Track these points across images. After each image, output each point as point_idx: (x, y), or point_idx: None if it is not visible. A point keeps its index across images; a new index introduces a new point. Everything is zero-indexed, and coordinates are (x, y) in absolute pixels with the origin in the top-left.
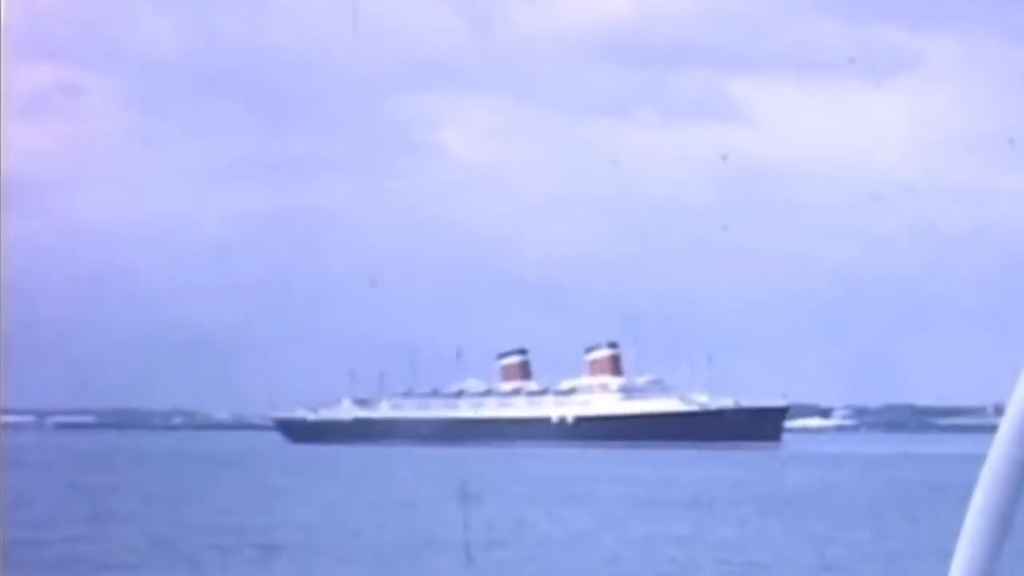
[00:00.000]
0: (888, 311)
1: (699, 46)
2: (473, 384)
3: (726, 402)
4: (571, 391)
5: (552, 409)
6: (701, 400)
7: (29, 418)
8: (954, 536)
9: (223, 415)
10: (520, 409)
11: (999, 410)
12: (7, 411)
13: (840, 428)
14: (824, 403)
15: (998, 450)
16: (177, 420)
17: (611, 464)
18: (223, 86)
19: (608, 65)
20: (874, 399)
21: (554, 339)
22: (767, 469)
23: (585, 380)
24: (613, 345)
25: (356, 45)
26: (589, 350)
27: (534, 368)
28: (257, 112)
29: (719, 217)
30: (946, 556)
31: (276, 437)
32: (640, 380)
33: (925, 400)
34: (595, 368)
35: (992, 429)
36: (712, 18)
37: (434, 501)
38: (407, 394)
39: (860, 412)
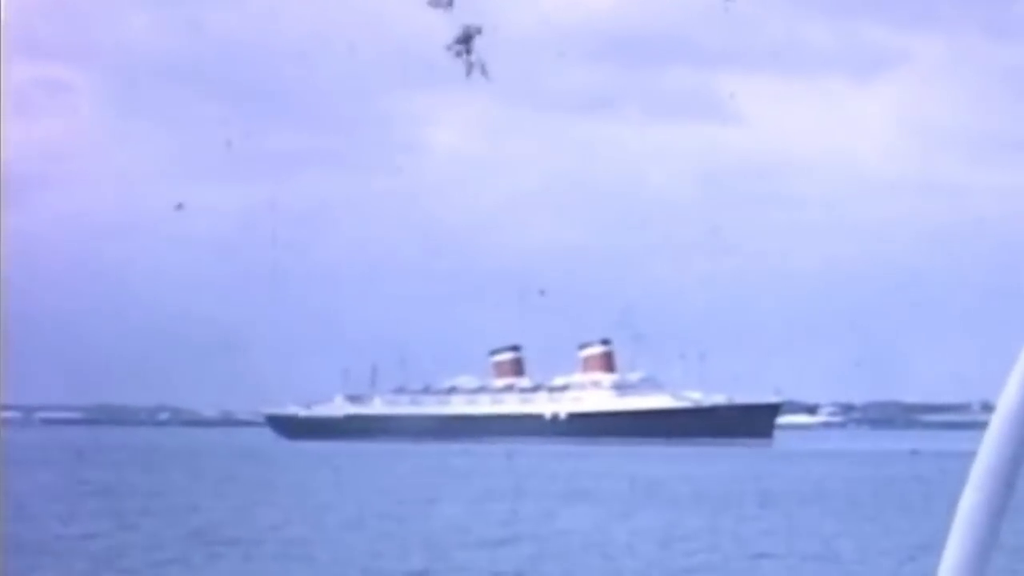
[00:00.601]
0: (874, 307)
1: (685, 43)
2: (466, 381)
3: (719, 399)
4: (564, 388)
5: (545, 405)
6: (694, 397)
7: (16, 414)
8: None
9: (210, 412)
10: (513, 405)
11: (985, 407)
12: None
13: (827, 425)
14: (811, 400)
15: (988, 448)
16: (164, 416)
17: (612, 462)
18: (210, 81)
19: (594, 62)
20: (860, 396)
21: (545, 336)
22: (768, 466)
23: (578, 377)
24: (606, 342)
25: (344, 43)
26: (582, 347)
27: (527, 365)
28: (246, 108)
29: (705, 213)
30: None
31: (269, 433)
32: (633, 377)
33: (911, 397)
34: (588, 365)
35: (978, 426)
36: (698, 15)
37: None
38: (399, 390)
39: (847, 409)
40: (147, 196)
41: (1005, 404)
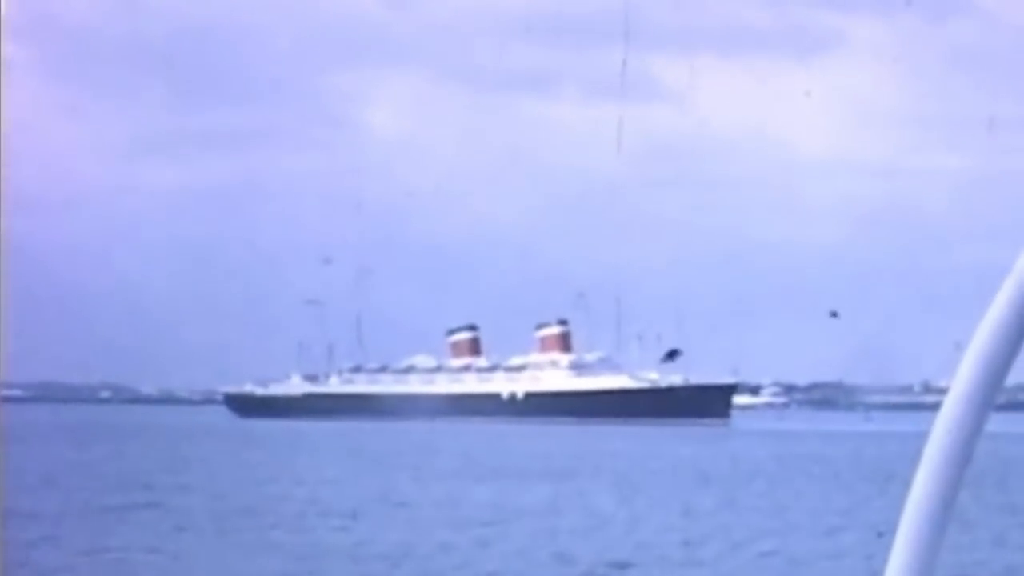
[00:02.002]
0: (811, 287)
1: (622, 21)
2: (423, 360)
3: (675, 379)
4: (521, 367)
5: (502, 385)
6: (651, 377)
7: None
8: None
9: (149, 390)
10: (471, 385)
11: (927, 388)
12: None
13: (770, 405)
14: (752, 380)
15: (939, 433)
16: (105, 394)
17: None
18: (147, 59)
19: (529, 40)
20: (802, 377)
21: (496, 315)
22: (734, 445)
23: (535, 357)
24: (563, 322)
25: (278, 21)
26: (539, 327)
27: (483, 345)
28: (182, 86)
29: (644, 193)
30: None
31: (219, 411)
32: (590, 357)
33: (853, 378)
34: (545, 345)
35: (920, 407)
36: None
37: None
38: (356, 369)
39: (789, 389)
40: (86, 173)
41: (958, 388)
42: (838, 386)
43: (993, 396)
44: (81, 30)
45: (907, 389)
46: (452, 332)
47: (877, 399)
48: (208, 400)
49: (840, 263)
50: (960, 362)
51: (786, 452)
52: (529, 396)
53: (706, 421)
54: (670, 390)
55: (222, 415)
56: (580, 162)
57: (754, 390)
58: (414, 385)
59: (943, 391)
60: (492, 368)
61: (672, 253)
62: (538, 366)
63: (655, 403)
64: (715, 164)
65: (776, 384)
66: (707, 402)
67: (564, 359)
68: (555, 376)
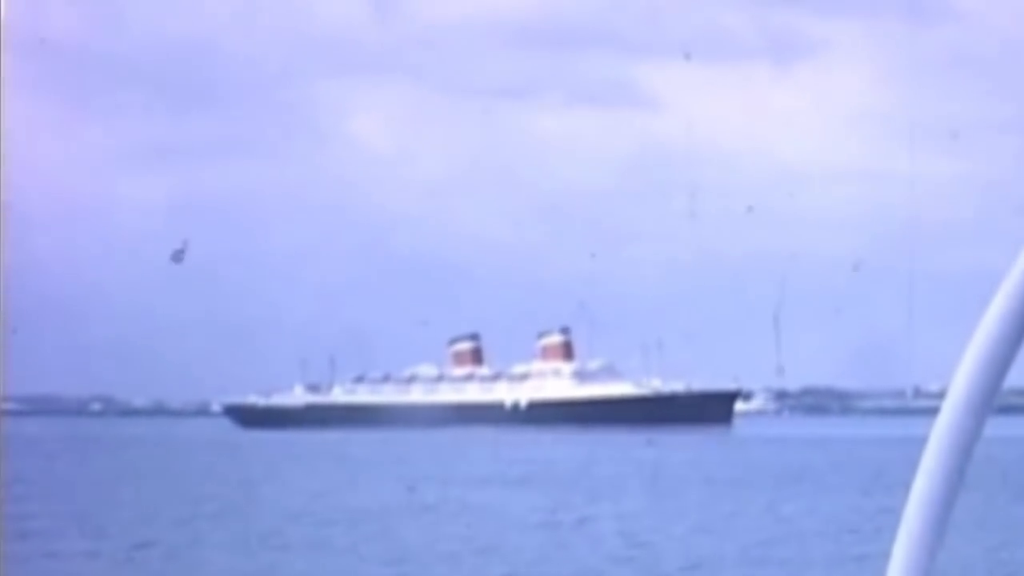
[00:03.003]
0: (801, 294)
1: (604, 31)
2: (425, 370)
3: (677, 386)
4: (524, 376)
5: (505, 394)
6: (654, 384)
7: None
8: None
9: (141, 401)
10: (473, 394)
11: (919, 393)
12: None
13: (762, 412)
14: (744, 386)
15: (939, 436)
16: (96, 407)
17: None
18: (132, 72)
19: (513, 49)
20: (793, 382)
21: (496, 325)
22: (744, 452)
23: (538, 365)
24: (565, 331)
25: (263, 34)
26: (540, 335)
27: (485, 354)
28: (163, 99)
29: (629, 203)
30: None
31: (215, 423)
32: (593, 365)
33: (844, 383)
34: (547, 353)
35: (913, 412)
36: (616, 3)
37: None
38: (359, 379)
39: (780, 395)
40: (75, 187)
41: (957, 391)
42: (829, 391)
43: (991, 400)
44: (66, 44)
45: (900, 394)
46: (454, 341)
47: (869, 404)
48: (201, 412)
49: (830, 268)
50: (957, 367)
51: (818, 457)
52: (532, 405)
53: (708, 428)
54: (673, 397)
55: (221, 427)
56: (565, 170)
57: (746, 396)
58: (417, 395)
59: (934, 396)
60: (495, 377)
61: (661, 261)
62: (541, 374)
63: (658, 410)
64: (700, 171)
65: (767, 390)
66: (709, 409)
67: (567, 367)
68: (558, 384)
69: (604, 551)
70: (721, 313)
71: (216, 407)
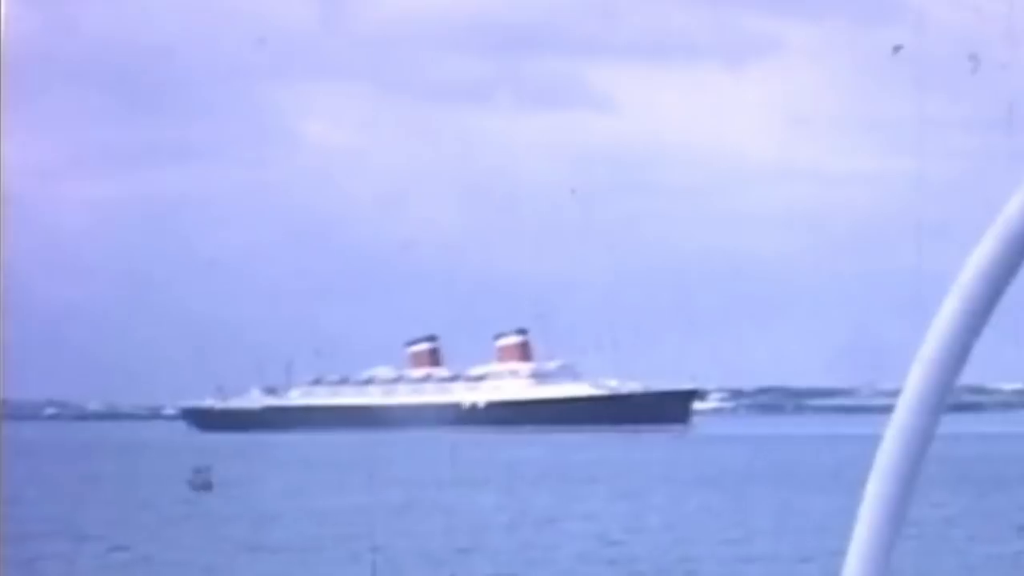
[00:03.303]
0: (751, 295)
1: (555, 32)
2: (383, 371)
3: (635, 386)
4: (482, 377)
5: (463, 395)
6: (611, 384)
7: None
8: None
9: (94, 405)
10: (431, 395)
11: (874, 391)
12: None
13: (718, 411)
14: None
15: (893, 436)
16: (50, 411)
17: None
18: (79, 73)
19: (465, 50)
20: (748, 382)
21: (451, 326)
22: (707, 450)
23: (496, 366)
24: (522, 331)
25: (214, 34)
26: (497, 337)
27: (443, 355)
28: (118, 100)
29: (582, 202)
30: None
31: (175, 426)
32: (551, 365)
33: (798, 382)
34: (504, 354)
35: (868, 410)
36: (567, 3)
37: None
38: (317, 382)
39: (735, 395)
40: (24, 189)
41: (911, 390)
42: (784, 390)
43: (945, 399)
44: (16, 44)
45: (853, 392)
46: (412, 343)
47: (824, 402)
48: (155, 415)
49: (782, 268)
50: (911, 365)
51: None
52: (490, 405)
53: (666, 427)
54: (630, 397)
55: (177, 430)
56: (518, 170)
57: (701, 395)
58: (375, 396)
59: (890, 394)
60: (452, 378)
61: (614, 260)
62: (498, 375)
63: (616, 410)
64: (652, 171)
65: (722, 389)
66: (667, 408)
67: (524, 368)
68: (516, 385)
69: (577, 552)
70: (673, 313)
71: (170, 410)
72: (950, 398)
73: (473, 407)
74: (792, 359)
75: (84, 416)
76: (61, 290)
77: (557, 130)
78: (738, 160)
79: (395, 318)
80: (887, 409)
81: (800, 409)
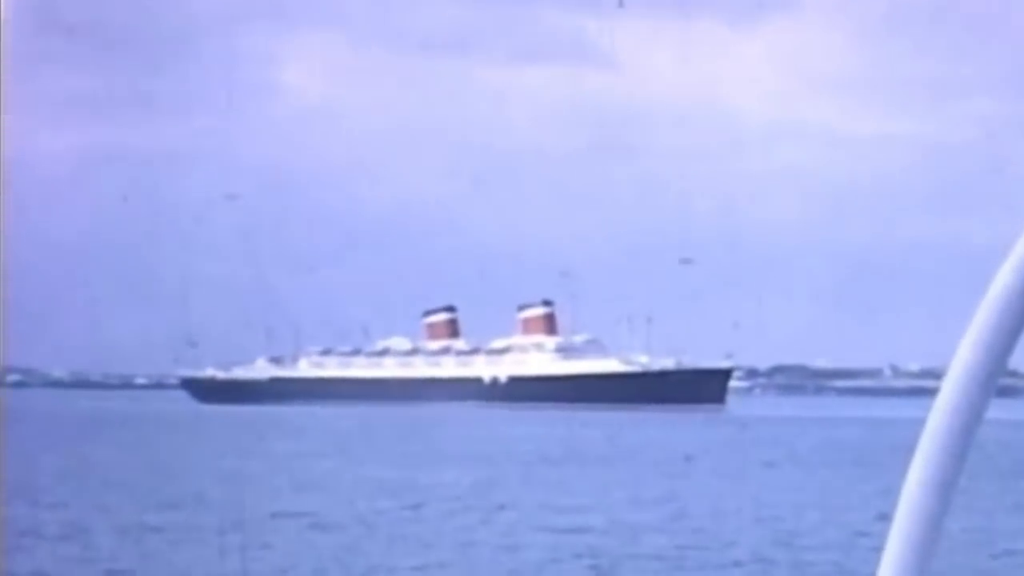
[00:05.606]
0: (762, 268)
1: None
2: (398, 342)
3: (668, 363)
4: (504, 350)
5: (484, 369)
6: (642, 360)
7: None
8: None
9: (60, 373)
10: (450, 368)
11: (896, 371)
12: None
13: (735, 390)
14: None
15: (937, 420)
16: (14, 378)
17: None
18: (48, 20)
19: (454, 1)
20: (764, 361)
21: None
22: (757, 432)
23: (519, 339)
24: (548, 303)
25: None
26: (521, 308)
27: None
28: (85, 49)
29: (578, 163)
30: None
31: (178, 396)
32: (577, 339)
33: (818, 362)
34: (528, 327)
35: (889, 392)
36: None
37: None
38: (327, 352)
39: (751, 374)
40: None
41: (956, 371)
42: (801, 369)
43: (994, 381)
44: None
45: (876, 373)
46: (428, 313)
47: (844, 383)
48: (126, 384)
49: (795, 238)
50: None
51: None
52: (513, 380)
53: (701, 406)
54: (663, 374)
55: (176, 399)
56: (507, 129)
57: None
58: (389, 369)
59: (914, 375)
60: (473, 351)
61: (618, 230)
62: (522, 349)
63: (647, 388)
64: (656, 132)
65: (738, 368)
66: (702, 386)
67: (550, 341)
68: (540, 359)
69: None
70: (678, 286)
71: (142, 380)
72: (1001, 375)
73: (494, 382)
74: (809, 336)
75: (49, 384)
76: (24, 251)
77: (556, 86)
78: (740, 120)
79: (408, 285)
80: (914, 391)
81: (821, 390)
